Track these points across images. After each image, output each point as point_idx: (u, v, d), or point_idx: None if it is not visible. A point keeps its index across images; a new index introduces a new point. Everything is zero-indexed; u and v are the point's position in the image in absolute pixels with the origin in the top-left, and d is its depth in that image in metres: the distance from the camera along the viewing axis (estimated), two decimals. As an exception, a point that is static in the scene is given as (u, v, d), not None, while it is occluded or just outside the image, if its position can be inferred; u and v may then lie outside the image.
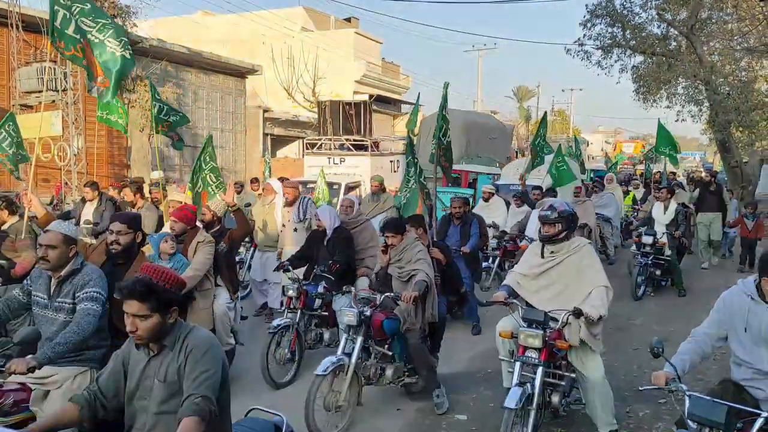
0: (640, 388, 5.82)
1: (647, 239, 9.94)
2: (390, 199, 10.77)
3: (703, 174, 16.56)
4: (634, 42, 19.47)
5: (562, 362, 4.72)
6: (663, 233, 10.06)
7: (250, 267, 9.14)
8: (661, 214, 10.28)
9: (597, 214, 11.87)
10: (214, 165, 7.24)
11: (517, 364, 4.44)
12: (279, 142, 28.79)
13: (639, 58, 20.32)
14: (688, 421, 3.24)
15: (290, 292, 6.30)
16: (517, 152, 32.36)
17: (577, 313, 4.38)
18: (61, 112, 15.04)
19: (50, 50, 16.47)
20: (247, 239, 8.75)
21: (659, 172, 20.79)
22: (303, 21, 34.39)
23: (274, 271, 7.27)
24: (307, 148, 17.67)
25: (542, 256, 4.85)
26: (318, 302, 6.43)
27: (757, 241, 12.39)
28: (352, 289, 5.99)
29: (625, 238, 14.32)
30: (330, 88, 27.30)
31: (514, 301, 4.80)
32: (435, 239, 6.63)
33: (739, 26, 19.04)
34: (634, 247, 10.54)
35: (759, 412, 3.25)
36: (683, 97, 20.02)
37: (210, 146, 7.29)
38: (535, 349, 4.36)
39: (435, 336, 5.78)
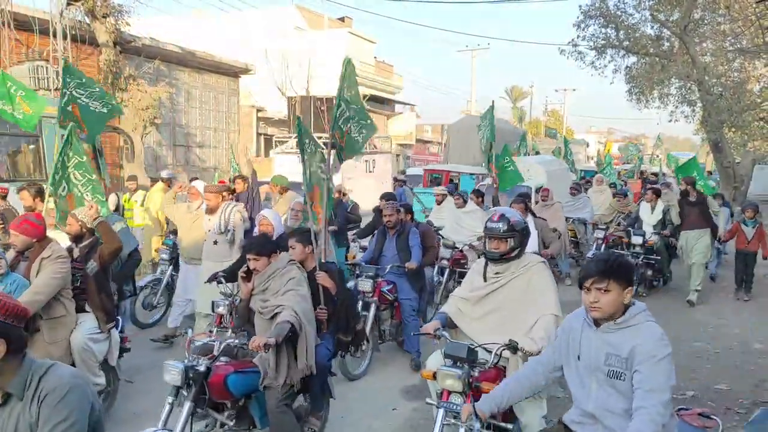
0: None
1: (637, 239, 9.81)
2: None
3: (610, 186, 14.13)
4: (627, 43, 19.56)
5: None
6: (651, 233, 9.95)
7: (169, 286, 7.92)
8: (649, 215, 10.14)
9: (572, 217, 11.63)
10: (80, 160, 6.05)
11: (439, 411, 3.57)
12: (272, 141, 28.77)
13: (632, 59, 20.43)
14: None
15: (220, 309, 5.47)
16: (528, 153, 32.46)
17: (513, 346, 3.59)
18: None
19: (41, 49, 16.43)
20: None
21: (652, 172, 20.90)
22: (296, 20, 34.35)
23: (206, 282, 6.13)
24: (277, 147, 16.76)
25: (484, 278, 4.00)
26: None
27: (755, 256, 9.74)
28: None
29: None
30: (323, 88, 27.27)
31: (444, 333, 3.95)
32: (325, 258, 5.26)
33: (732, 27, 19.13)
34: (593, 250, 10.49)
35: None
36: (676, 98, 20.16)
37: (74, 138, 6.11)
38: (459, 393, 3.55)
39: (313, 393, 4.48)
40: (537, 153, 23.19)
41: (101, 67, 18.04)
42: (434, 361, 3.94)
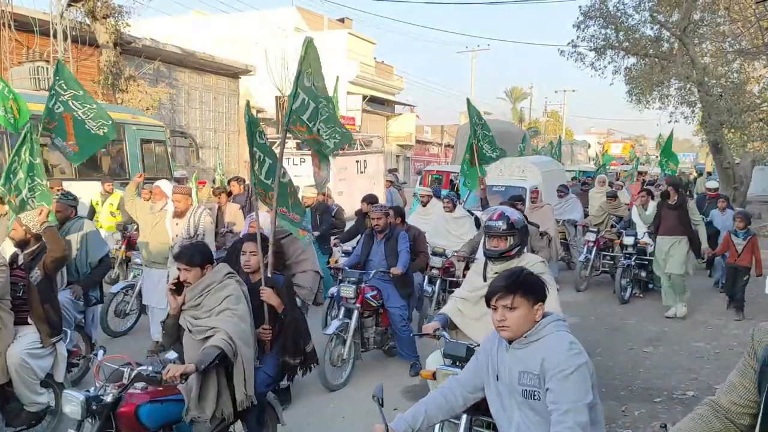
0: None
1: (628, 240, 9.63)
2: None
3: (663, 182, 12.43)
4: (627, 44, 19.56)
5: None
6: (644, 233, 9.71)
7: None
8: (643, 215, 9.66)
9: (562, 219, 11.22)
10: (33, 162, 5.57)
11: None
12: (273, 142, 28.78)
13: (632, 60, 20.43)
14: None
15: None
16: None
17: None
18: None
19: (41, 50, 16.46)
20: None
21: (647, 172, 20.90)
22: (296, 21, 34.38)
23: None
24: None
25: (484, 278, 3.92)
26: None
27: (746, 272, 8.54)
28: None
29: None
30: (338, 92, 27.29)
31: (443, 333, 3.88)
32: (272, 271, 4.70)
33: (732, 28, 19.15)
34: (585, 251, 10.22)
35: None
36: (676, 99, 20.14)
37: (31, 137, 5.58)
38: None
39: (248, 424, 3.96)
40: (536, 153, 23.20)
41: (101, 68, 18.07)
42: (434, 360, 3.92)
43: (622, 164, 32.79)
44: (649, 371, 6.44)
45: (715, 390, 6.10)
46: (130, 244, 9.07)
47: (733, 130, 19.82)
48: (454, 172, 15.47)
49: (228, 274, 3.93)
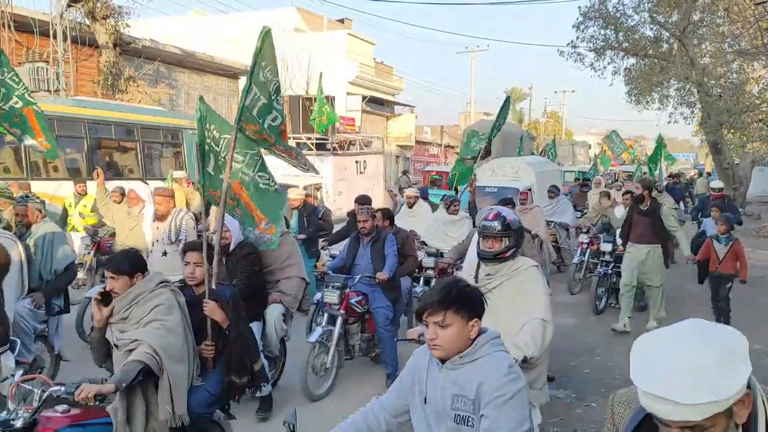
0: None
1: (606, 247, 8.98)
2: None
3: (632, 184, 11.34)
4: (626, 44, 19.60)
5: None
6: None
7: None
8: (623, 220, 8.67)
9: (553, 221, 10.95)
10: None
11: None
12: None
13: (631, 60, 20.48)
14: None
15: None
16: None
17: None
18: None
19: (41, 50, 16.45)
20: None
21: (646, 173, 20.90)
22: (296, 22, 34.38)
23: None
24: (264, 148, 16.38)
25: (476, 280, 3.76)
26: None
27: (730, 280, 7.84)
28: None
29: None
30: (323, 90, 27.29)
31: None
32: (217, 283, 4.24)
33: (731, 29, 19.18)
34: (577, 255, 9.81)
35: None
36: (675, 99, 20.20)
37: None
38: None
39: None
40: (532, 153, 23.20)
41: (101, 69, 18.08)
42: None
43: (621, 165, 32.78)
44: (648, 372, 6.42)
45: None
46: (101, 249, 8.68)
47: (732, 131, 19.85)
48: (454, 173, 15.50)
49: (162, 283, 3.61)
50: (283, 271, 5.63)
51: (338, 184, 14.25)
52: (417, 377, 2.55)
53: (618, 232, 8.76)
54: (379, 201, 15.42)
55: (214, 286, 4.08)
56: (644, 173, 20.25)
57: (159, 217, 6.22)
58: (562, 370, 6.43)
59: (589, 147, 54.45)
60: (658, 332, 1.61)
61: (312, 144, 15.41)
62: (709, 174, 22.74)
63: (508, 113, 8.32)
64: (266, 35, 4.18)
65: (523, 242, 5.92)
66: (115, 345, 3.49)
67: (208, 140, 4.20)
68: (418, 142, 39.92)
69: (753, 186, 23.68)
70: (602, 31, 19.64)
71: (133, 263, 3.57)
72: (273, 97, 4.26)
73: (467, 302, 2.38)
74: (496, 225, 3.73)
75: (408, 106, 39.76)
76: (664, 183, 16.99)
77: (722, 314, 7.87)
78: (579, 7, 19.57)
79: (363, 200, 7.84)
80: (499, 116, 10.17)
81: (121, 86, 18.05)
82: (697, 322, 1.61)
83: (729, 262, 7.75)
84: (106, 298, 3.55)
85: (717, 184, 11.39)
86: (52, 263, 5.50)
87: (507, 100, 10.35)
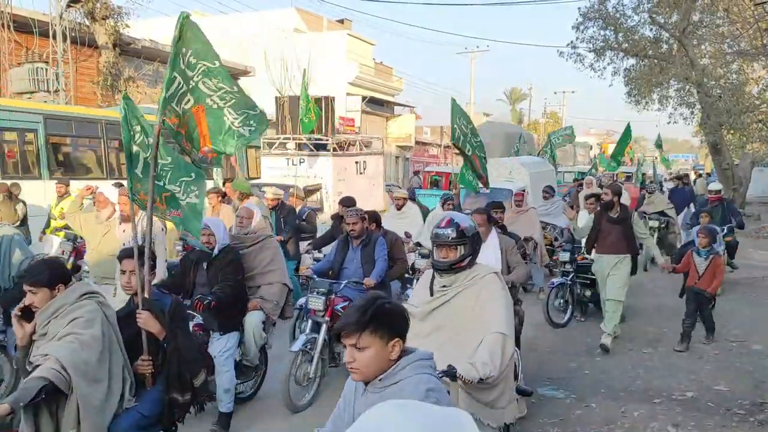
0: None
1: (564, 256, 8.28)
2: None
3: (601, 188, 9.78)
4: (626, 45, 19.61)
5: None
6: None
7: None
8: (589, 225, 7.91)
9: (547, 223, 10.58)
10: None
11: None
12: (272, 142, 28.74)
13: (631, 61, 20.49)
14: None
15: None
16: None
17: (451, 373, 3.10)
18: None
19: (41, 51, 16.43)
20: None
21: (645, 174, 20.88)
22: (295, 22, 34.39)
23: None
24: (265, 148, 15.81)
25: (431, 292, 3.56)
26: None
27: (712, 300, 7.45)
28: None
29: None
30: (322, 89, 27.32)
31: None
32: (149, 291, 3.84)
33: (731, 29, 19.19)
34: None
35: None
36: (675, 100, 20.20)
37: None
38: None
39: None
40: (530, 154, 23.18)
41: (101, 69, 18.08)
42: None
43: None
44: (648, 372, 6.43)
45: (714, 391, 6.09)
46: (80, 254, 8.17)
47: (732, 131, 19.87)
48: (456, 173, 15.46)
49: (85, 294, 3.31)
50: (264, 276, 5.44)
51: (338, 185, 14.23)
52: (347, 402, 2.41)
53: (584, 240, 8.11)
54: (379, 201, 15.41)
55: (147, 295, 3.75)
56: (643, 174, 20.30)
57: (124, 219, 5.81)
58: (562, 370, 6.44)
59: (591, 148, 54.49)
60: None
61: (312, 145, 15.33)
62: (708, 175, 22.73)
63: (459, 114, 7.62)
64: (183, 21, 3.87)
65: (509, 251, 5.58)
66: (29, 362, 3.18)
67: (135, 141, 3.89)
68: (417, 142, 39.90)
69: (752, 186, 23.70)
70: (602, 32, 19.66)
71: (53, 274, 3.29)
72: (198, 79, 3.88)
73: (386, 322, 2.20)
74: (450, 232, 3.48)
75: (408, 106, 39.76)
76: (671, 185, 16.92)
77: (706, 330, 7.44)
78: (579, 8, 19.60)
79: (348, 202, 7.53)
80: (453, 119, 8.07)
81: (120, 87, 18.04)
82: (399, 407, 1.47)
83: (708, 277, 7.20)
84: (27, 313, 3.26)
85: (715, 186, 10.96)
86: (10, 269, 5.28)
87: (453, 103, 8.10)
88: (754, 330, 8.06)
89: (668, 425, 5.13)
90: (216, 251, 5.02)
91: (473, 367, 3.11)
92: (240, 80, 25.14)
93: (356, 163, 16.07)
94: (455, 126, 7.57)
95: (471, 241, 3.50)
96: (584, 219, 8.13)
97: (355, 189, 13.38)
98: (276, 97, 17.35)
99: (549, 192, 11.24)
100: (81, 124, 12.51)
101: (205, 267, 5.04)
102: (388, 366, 2.22)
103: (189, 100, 3.89)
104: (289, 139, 15.54)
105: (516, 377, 3.79)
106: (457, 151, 7.23)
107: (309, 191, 12.41)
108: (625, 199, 15.40)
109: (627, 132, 17.14)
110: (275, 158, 15.11)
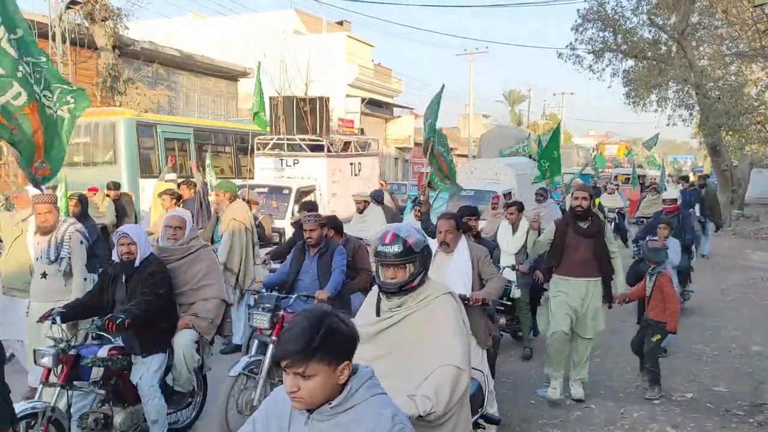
0: None
1: (508, 274, 6.72)
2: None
3: (568, 197, 8.40)
4: (625, 46, 19.62)
5: None
6: (506, 266, 6.80)
7: None
8: (509, 238, 7.04)
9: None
10: None
11: None
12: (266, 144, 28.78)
13: (630, 63, 20.50)
14: None
15: (44, 360, 3.98)
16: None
17: None
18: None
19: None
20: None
21: (645, 175, 20.90)
22: (295, 24, 34.43)
23: (38, 322, 4.45)
24: (258, 149, 15.16)
25: (377, 312, 3.11)
26: (97, 372, 4.20)
27: (658, 331, 5.79)
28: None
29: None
30: (323, 92, 27.34)
31: None
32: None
33: (729, 31, 19.22)
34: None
35: None
36: (674, 101, 20.21)
37: None
38: None
39: None
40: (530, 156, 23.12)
41: (100, 71, 18.08)
42: None
43: (616, 167, 32.65)
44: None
45: (713, 392, 6.07)
46: None
47: (731, 133, 19.90)
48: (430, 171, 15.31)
49: None
50: (197, 292, 4.86)
51: (332, 186, 14.09)
52: (277, 427, 2.07)
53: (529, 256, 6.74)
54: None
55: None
56: (642, 176, 20.31)
57: (41, 231, 5.11)
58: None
59: (592, 149, 54.47)
60: None
61: (305, 145, 15.18)
62: (708, 176, 22.74)
63: (437, 107, 6.61)
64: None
65: (482, 261, 4.77)
66: None
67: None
68: (417, 143, 39.93)
69: (751, 188, 23.75)
70: (601, 34, 19.66)
71: None
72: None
73: (334, 347, 1.91)
74: (396, 249, 2.96)
75: (407, 108, 39.79)
76: (672, 188, 16.87)
77: (649, 375, 5.87)
78: (578, 10, 19.61)
79: (309, 207, 6.77)
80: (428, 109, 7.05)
81: (119, 88, 18.05)
82: None
83: (655, 302, 5.86)
84: None
85: (670, 194, 9.10)
86: None
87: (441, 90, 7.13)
88: (754, 331, 8.08)
89: (667, 426, 5.14)
90: (137, 262, 4.48)
91: (412, 401, 2.72)
92: (239, 82, 25.21)
93: (351, 164, 15.79)
94: (431, 121, 6.54)
95: (421, 257, 3.02)
96: (521, 234, 6.95)
97: (350, 190, 13.34)
98: (270, 97, 17.24)
99: (542, 195, 10.39)
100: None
101: (124, 281, 4.51)
102: (336, 392, 1.95)
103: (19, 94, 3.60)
104: (282, 139, 15.21)
105: (481, 406, 3.46)
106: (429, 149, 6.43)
107: (303, 192, 12.24)
108: (618, 201, 15.06)
109: (557, 127, 15.15)
110: (267, 159, 14.71)
